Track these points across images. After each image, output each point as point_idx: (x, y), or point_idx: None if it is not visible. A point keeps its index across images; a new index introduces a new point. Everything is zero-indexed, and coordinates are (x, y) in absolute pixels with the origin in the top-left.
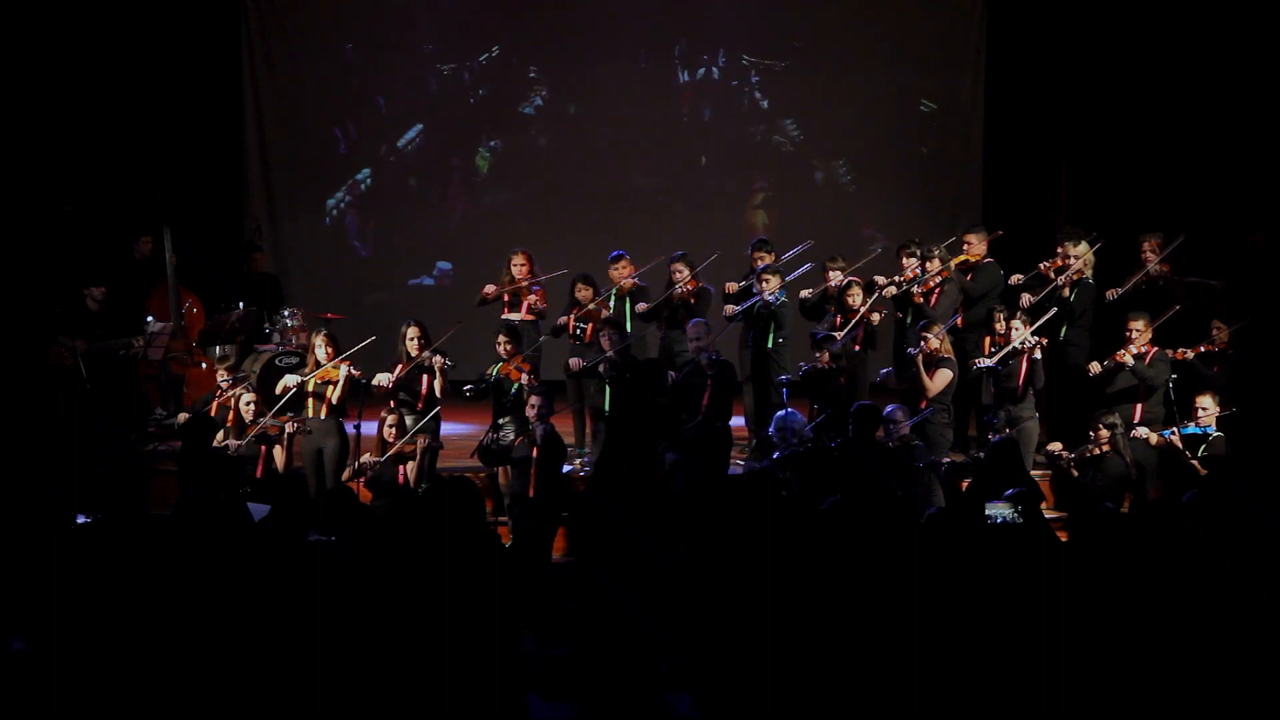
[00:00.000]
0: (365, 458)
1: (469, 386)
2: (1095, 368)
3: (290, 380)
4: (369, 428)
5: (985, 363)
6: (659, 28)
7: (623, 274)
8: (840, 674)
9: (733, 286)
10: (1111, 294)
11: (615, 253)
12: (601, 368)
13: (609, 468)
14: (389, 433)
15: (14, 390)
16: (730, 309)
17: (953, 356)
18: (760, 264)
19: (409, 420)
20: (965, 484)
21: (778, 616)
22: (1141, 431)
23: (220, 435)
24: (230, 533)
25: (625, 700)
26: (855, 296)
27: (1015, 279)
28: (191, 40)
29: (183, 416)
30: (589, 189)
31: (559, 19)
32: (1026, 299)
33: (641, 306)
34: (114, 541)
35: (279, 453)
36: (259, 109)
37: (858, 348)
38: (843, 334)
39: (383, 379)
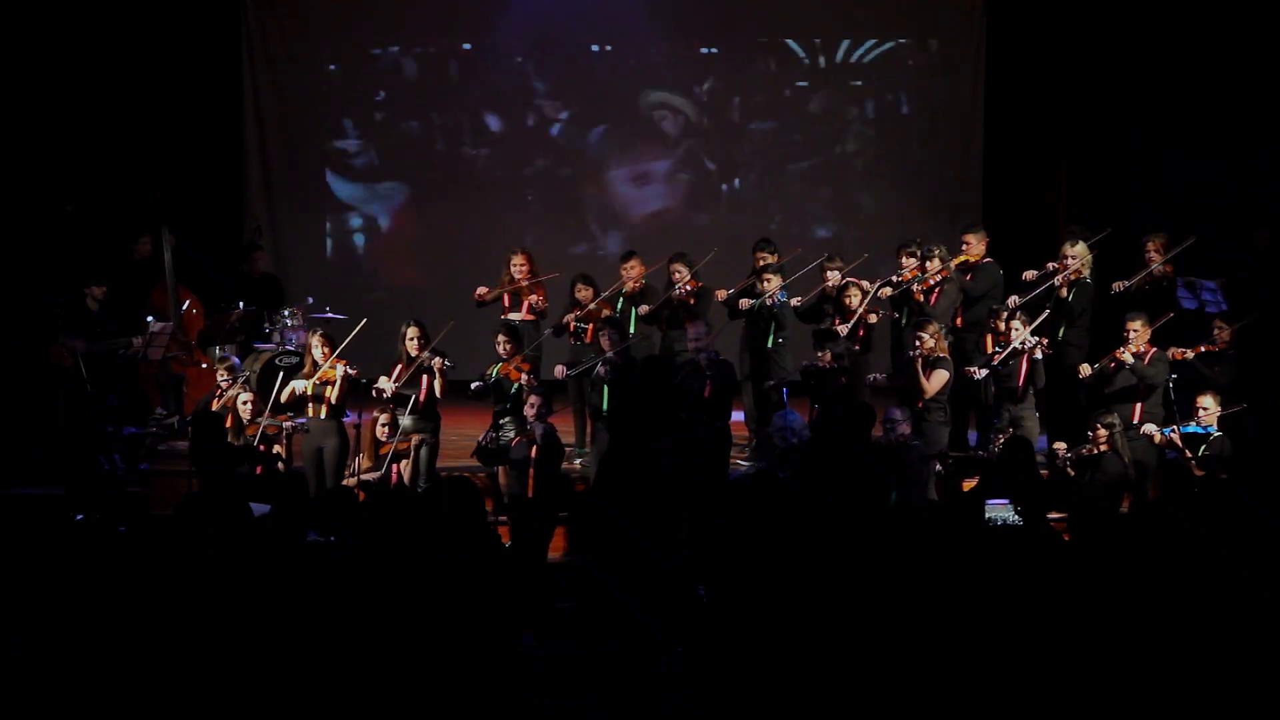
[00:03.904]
0: (364, 471)
1: (476, 384)
2: (1085, 369)
3: (299, 385)
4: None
5: (980, 373)
6: (657, 25)
7: (633, 273)
8: (841, 672)
9: (722, 294)
10: (1118, 286)
11: (626, 251)
12: (601, 369)
13: (610, 469)
14: (381, 431)
15: (14, 390)
16: (745, 302)
17: (948, 356)
18: (762, 263)
19: (407, 420)
20: (967, 482)
21: (778, 615)
22: (1149, 428)
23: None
24: (230, 532)
25: (625, 700)
26: (853, 298)
27: (1029, 275)
28: (191, 40)
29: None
30: (591, 187)
31: (559, 15)
32: (1014, 300)
33: (644, 309)
34: (114, 541)
35: (279, 451)
36: (259, 109)
37: (857, 347)
38: (843, 333)
39: (385, 384)
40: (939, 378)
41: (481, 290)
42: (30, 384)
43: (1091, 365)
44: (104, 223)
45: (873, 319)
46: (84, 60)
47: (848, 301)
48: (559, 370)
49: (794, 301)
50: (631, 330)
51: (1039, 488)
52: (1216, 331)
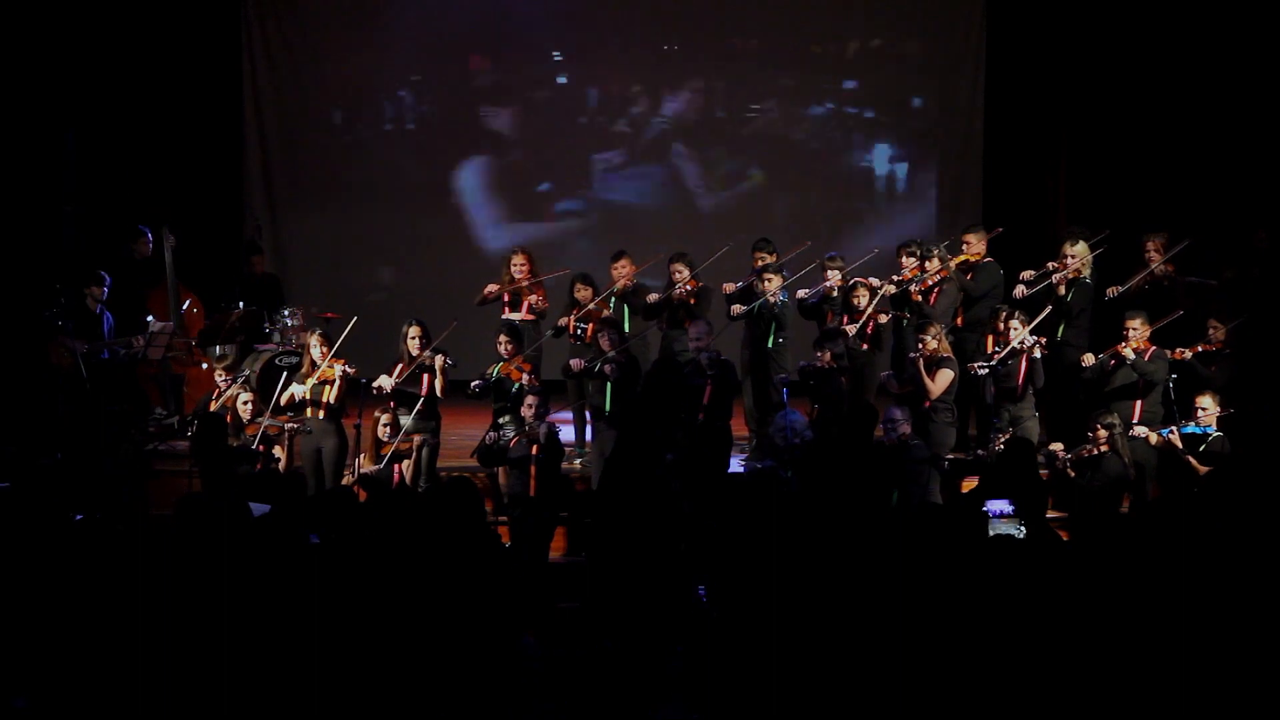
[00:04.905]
0: (365, 466)
1: (476, 384)
2: (1089, 359)
3: (297, 390)
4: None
5: (983, 369)
6: (659, 25)
7: (623, 273)
8: (842, 672)
9: (729, 287)
10: (1112, 291)
11: (616, 252)
12: (608, 369)
13: (615, 469)
14: (383, 431)
15: (14, 390)
16: (737, 308)
17: (952, 356)
18: (760, 264)
19: (407, 420)
20: (967, 483)
21: (779, 615)
22: (1140, 430)
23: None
24: (231, 532)
25: (626, 701)
26: (862, 297)
27: (1026, 275)
28: (191, 40)
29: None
30: (592, 186)
31: (560, 12)
32: (1021, 290)
33: (652, 297)
34: (114, 541)
35: (279, 452)
36: (259, 108)
37: (865, 346)
38: (853, 333)
39: (384, 381)
40: (944, 377)
41: (491, 287)
42: (30, 384)
43: (1096, 355)
44: (104, 223)
45: (883, 319)
46: (84, 60)
47: (856, 301)
48: (575, 363)
49: (800, 293)
50: (626, 328)
51: (1040, 489)
52: (1211, 331)
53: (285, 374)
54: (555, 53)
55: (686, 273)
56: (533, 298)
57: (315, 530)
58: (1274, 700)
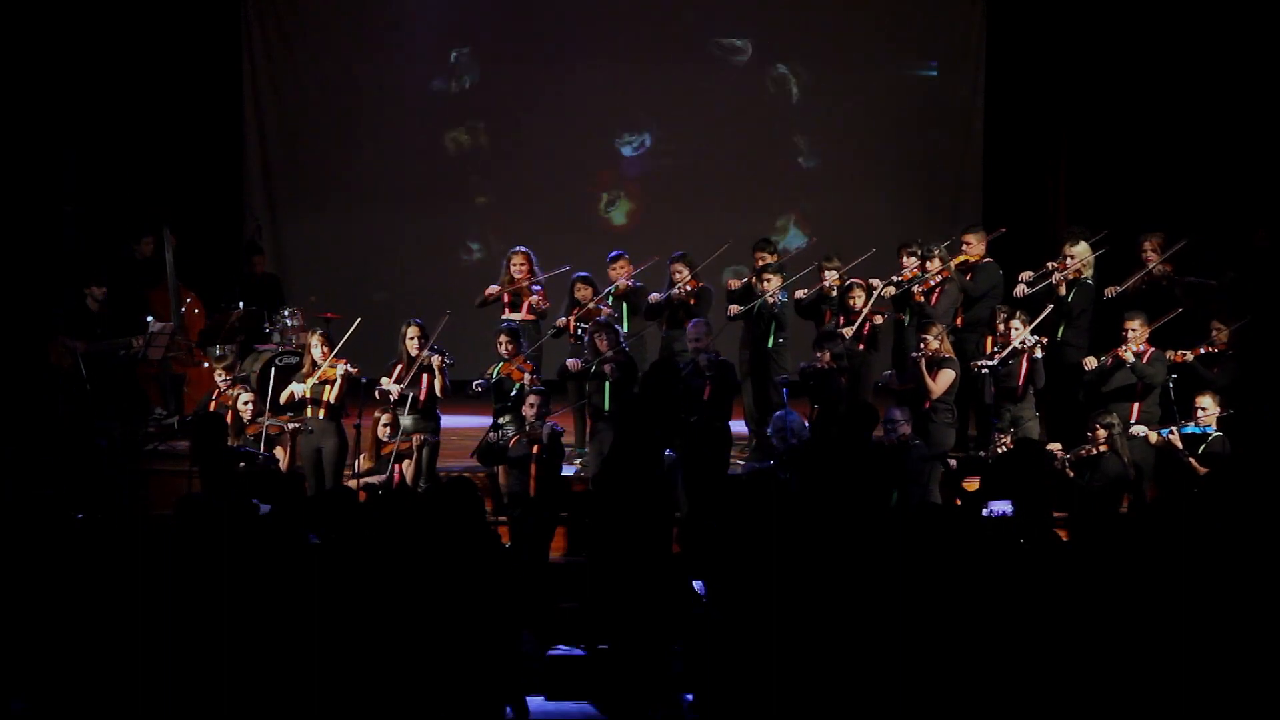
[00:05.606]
0: (365, 472)
1: (476, 384)
2: (1091, 362)
3: (298, 389)
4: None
5: (986, 365)
6: (657, 23)
7: (621, 274)
8: (840, 672)
9: (735, 283)
10: (1110, 291)
11: (614, 253)
12: (607, 368)
13: (614, 468)
14: (383, 431)
15: (14, 390)
16: (734, 308)
17: (954, 356)
18: (761, 263)
19: (408, 419)
20: (967, 483)
21: (780, 616)
22: (1140, 430)
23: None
24: (231, 532)
25: (626, 700)
26: (858, 298)
27: (1025, 276)
28: (191, 40)
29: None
30: (590, 185)
31: (558, 11)
32: (1021, 290)
33: (654, 297)
34: (114, 541)
35: (280, 453)
36: (259, 108)
37: (861, 347)
38: (849, 334)
39: (390, 386)
40: (945, 377)
41: (492, 289)
42: (30, 384)
43: (1098, 358)
44: (104, 223)
45: (878, 319)
46: (84, 60)
47: (852, 302)
48: (573, 363)
49: (799, 293)
50: (624, 329)
51: (1045, 490)
52: (1214, 333)
53: (284, 374)
54: (560, 53)
55: (686, 273)
56: (534, 298)
57: (315, 530)
58: (1274, 700)
